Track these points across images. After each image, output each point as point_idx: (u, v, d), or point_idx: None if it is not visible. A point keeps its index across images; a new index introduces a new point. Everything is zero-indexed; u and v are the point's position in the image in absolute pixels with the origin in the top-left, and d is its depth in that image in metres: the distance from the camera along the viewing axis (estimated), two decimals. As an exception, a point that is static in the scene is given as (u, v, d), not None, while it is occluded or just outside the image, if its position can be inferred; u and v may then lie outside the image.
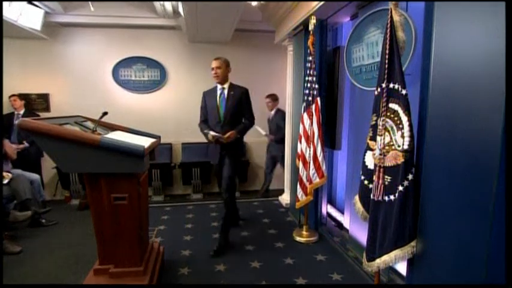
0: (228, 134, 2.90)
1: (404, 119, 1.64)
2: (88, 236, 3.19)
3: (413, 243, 1.64)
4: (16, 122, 4.08)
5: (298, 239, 3.25)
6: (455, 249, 1.41)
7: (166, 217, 3.88)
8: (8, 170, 3.51)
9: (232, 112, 2.99)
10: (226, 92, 3.03)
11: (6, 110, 4.39)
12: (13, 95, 4.33)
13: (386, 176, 1.75)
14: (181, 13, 3.94)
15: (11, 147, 3.67)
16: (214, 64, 2.96)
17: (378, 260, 1.78)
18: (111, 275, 2.08)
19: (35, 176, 3.74)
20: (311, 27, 2.98)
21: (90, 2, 3.98)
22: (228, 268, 2.71)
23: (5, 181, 3.24)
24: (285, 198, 4.44)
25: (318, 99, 3.04)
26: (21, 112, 4.34)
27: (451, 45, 1.41)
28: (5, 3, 3.45)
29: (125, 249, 2.07)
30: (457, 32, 1.39)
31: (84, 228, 3.52)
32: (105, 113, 2.36)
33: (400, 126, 1.66)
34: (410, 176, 1.63)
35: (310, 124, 3.07)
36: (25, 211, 3.30)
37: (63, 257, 2.90)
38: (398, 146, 1.68)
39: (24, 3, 3.74)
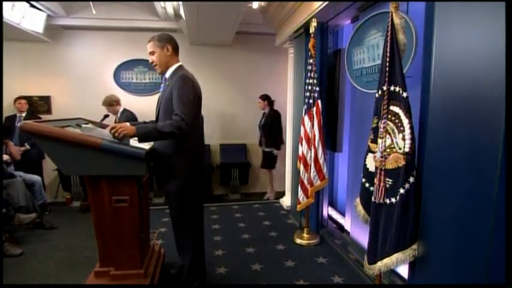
0: (117, 126, 1.86)
1: (405, 121, 1.64)
2: (89, 238, 3.19)
3: (414, 246, 1.63)
4: (18, 124, 4.10)
5: (299, 241, 3.24)
6: (457, 252, 1.41)
7: (167, 219, 3.88)
8: (11, 171, 3.54)
9: (163, 109, 2.04)
10: (166, 82, 2.11)
11: (9, 112, 4.40)
12: (20, 98, 4.35)
13: (387, 179, 1.74)
14: (183, 16, 3.96)
15: (15, 149, 3.73)
16: (148, 49, 2.07)
17: (379, 263, 1.77)
18: (111, 278, 2.08)
19: (35, 178, 3.75)
20: (312, 29, 2.99)
21: (92, 4, 4.00)
22: (229, 270, 2.70)
23: None
24: (285, 201, 4.44)
25: (319, 101, 3.04)
26: (23, 114, 4.35)
27: (452, 47, 1.41)
28: (8, 7, 3.47)
29: (126, 251, 2.07)
30: (457, 34, 1.39)
31: (85, 230, 3.51)
32: (106, 116, 2.37)
33: (401, 128, 1.66)
34: (411, 179, 1.62)
35: (311, 126, 3.07)
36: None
37: (63, 259, 2.89)
38: (400, 149, 1.67)
39: (27, 6, 3.76)
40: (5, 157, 3.28)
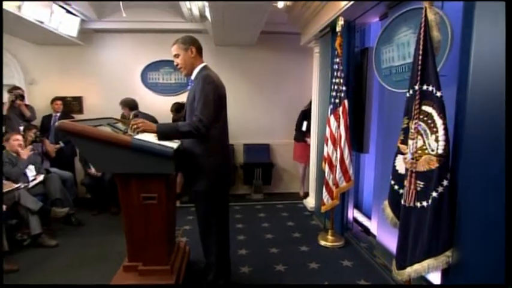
0: (138, 121, 1.93)
1: (439, 122, 1.57)
2: (120, 233, 3.29)
3: (448, 253, 1.56)
4: (55, 123, 4.32)
5: (323, 243, 3.19)
6: (495, 259, 1.33)
7: (191, 217, 3.95)
8: (47, 167, 3.76)
9: (189, 110, 2.07)
10: (193, 83, 2.15)
11: (46, 112, 4.67)
12: (57, 99, 4.60)
13: (418, 182, 1.68)
14: (208, 17, 4.01)
15: (51, 146, 3.97)
16: (172, 52, 2.12)
17: (408, 269, 1.71)
18: (139, 272, 2.14)
19: (68, 175, 3.94)
20: (338, 28, 2.93)
21: (121, 7, 4.13)
22: (253, 270, 2.71)
23: (38, 180, 3.48)
24: (309, 202, 4.39)
25: (345, 101, 2.98)
26: (58, 114, 4.59)
27: (493, 44, 1.33)
28: (46, 14, 3.67)
29: (154, 247, 2.13)
30: (498, 31, 1.30)
31: (114, 226, 3.63)
32: (135, 115, 2.44)
33: (434, 129, 1.59)
34: (445, 182, 1.55)
35: (337, 127, 3.01)
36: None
37: (94, 253, 3.02)
38: (432, 151, 1.61)
39: (63, 12, 3.96)
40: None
